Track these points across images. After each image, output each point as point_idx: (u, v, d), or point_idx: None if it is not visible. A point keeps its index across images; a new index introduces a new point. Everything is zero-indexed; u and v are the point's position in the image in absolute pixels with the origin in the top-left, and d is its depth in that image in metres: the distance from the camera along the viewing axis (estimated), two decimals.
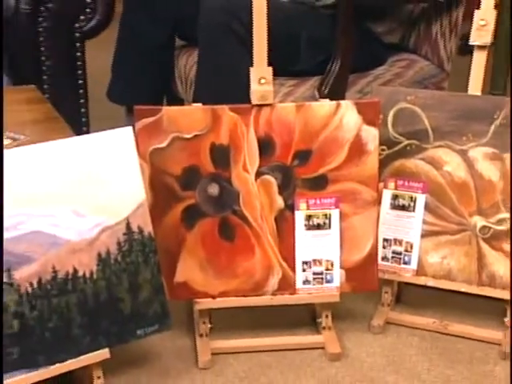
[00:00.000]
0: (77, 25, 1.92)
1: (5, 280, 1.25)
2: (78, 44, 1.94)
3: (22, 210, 1.27)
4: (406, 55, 2.06)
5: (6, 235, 1.26)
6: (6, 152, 1.26)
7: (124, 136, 1.36)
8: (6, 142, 1.45)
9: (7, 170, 1.25)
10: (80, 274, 1.31)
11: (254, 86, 1.42)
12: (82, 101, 2.01)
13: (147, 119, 1.43)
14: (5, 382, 1.23)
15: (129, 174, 1.35)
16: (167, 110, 1.44)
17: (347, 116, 1.46)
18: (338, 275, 1.50)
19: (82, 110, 2.02)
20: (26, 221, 1.28)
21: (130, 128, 1.37)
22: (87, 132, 1.98)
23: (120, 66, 2.11)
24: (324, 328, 1.52)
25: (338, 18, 1.73)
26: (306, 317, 1.59)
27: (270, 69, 1.41)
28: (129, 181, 1.35)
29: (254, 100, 1.43)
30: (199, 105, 1.46)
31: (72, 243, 1.31)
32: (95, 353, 1.31)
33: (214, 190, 1.47)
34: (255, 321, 1.57)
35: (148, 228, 1.37)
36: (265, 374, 1.45)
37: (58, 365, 1.28)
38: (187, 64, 2.00)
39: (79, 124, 2.00)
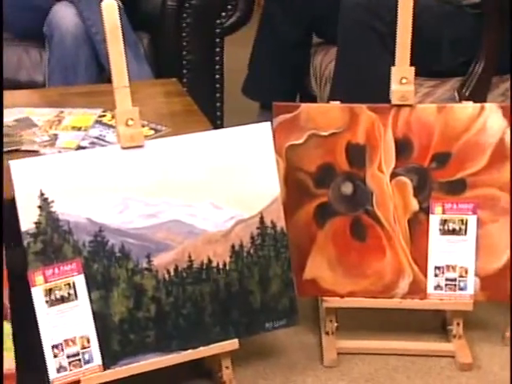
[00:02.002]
0: (218, 21, 1.96)
1: (144, 266, 1.30)
2: (217, 40, 1.99)
3: (163, 199, 1.32)
4: None
5: (146, 223, 1.31)
6: (148, 142, 1.32)
7: (262, 131, 1.38)
8: (148, 132, 1.50)
9: (151, 160, 1.31)
10: (214, 264, 1.35)
11: (395, 86, 1.40)
12: (217, 95, 2.05)
13: (285, 115, 1.44)
14: (140, 363, 1.29)
15: (265, 168, 1.38)
16: (305, 107, 1.45)
17: (491, 119, 1.41)
18: (472, 283, 1.45)
19: (218, 104, 2.07)
20: (166, 210, 1.33)
21: (268, 123, 1.39)
22: (221, 126, 2.02)
23: (257, 63, 2.15)
24: (454, 336, 1.48)
25: (485, 18, 1.68)
26: (435, 323, 1.55)
27: (413, 69, 1.39)
28: (265, 176, 1.38)
29: (394, 100, 1.41)
30: (337, 103, 1.46)
31: (208, 234, 1.34)
32: (225, 342, 1.34)
33: (347, 188, 1.47)
34: (382, 323, 1.55)
35: (281, 223, 1.39)
36: (391, 377, 1.43)
37: (190, 351, 1.32)
38: (323, 62, 2.01)
39: (214, 118, 2.05)
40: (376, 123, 1.43)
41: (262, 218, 1.38)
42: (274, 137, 1.38)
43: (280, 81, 2.09)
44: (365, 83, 1.73)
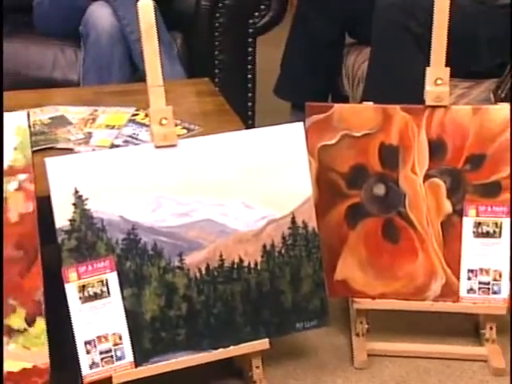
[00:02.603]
0: (251, 21, 1.97)
1: (176, 264, 1.31)
2: (250, 40, 1.99)
3: (196, 198, 1.33)
4: None
5: (179, 221, 1.32)
6: (181, 141, 1.32)
7: (295, 131, 1.38)
8: (180, 131, 1.51)
9: (184, 159, 1.31)
10: (245, 263, 1.35)
11: (430, 87, 1.39)
12: (249, 95, 2.06)
13: (318, 116, 1.44)
14: (171, 361, 1.30)
15: (298, 169, 1.37)
16: (338, 108, 1.45)
17: None
18: (506, 287, 1.43)
19: (249, 104, 2.07)
20: (199, 209, 1.33)
21: (301, 123, 1.38)
22: (252, 126, 2.03)
23: (290, 63, 2.15)
24: (487, 340, 1.46)
25: None
26: (467, 326, 1.53)
27: (448, 69, 1.37)
28: (297, 176, 1.37)
29: (429, 101, 1.40)
30: (370, 103, 1.45)
31: (239, 233, 1.35)
32: (255, 342, 1.34)
33: (380, 190, 1.46)
34: (413, 325, 1.54)
35: (312, 223, 1.38)
36: (423, 380, 1.42)
37: (220, 350, 1.33)
38: (356, 62, 2.00)
39: (245, 117, 2.06)
40: (410, 124, 1.42)
41: (293, 218, 1.37)
42: (306, 137, 1.38)
43: (312, 81, 2.09)
44: (398, 84, 1.72)
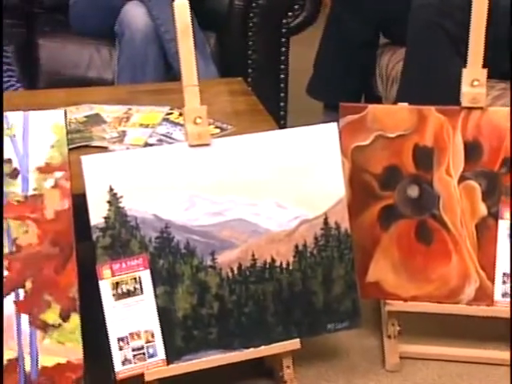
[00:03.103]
0: (284, 21, 1.97)
1: (208, 263, 1.31)
2: (283, 39, 1.99)
3: (229, 198, 1.33)
4: None
5: (212, 220, 1.32)
6: (215, 141, 1.33)
7: (329, 131, 1.37)
8: (214, 131, 1.52)
9: (217, 158, 1.32)
10: (277, 263, 1.35)
11: (466, 88, 1.37)
12: (282, 95, 2.06)
13: (352, 116, 1.44)
14: (202, 359, 1.30)
15: (331, 169, 1.37)
16: (372, 108, 1.44)
17: None
18: None
19: (281, 103, 2.07)
20: (232, 208, 1.34)
21: (334, 124, 1.38)
22: (284, 126, 2.03)
23: (323, 63, 2.15)
24: None
25: None
26: (502, 331, 1.51)
27: (485, 71, 1.36)
28: (330, 176, 1.37)
29: (465, 102, 1.38)
30: (405, 104, 1.44)
31: (272, 233, 1.35)
32: (287, 342, 1.34)
33: (413, 191, 1.45)
34: (446, 328, 1.52)
35: (345, 224, 1.38)
36: None
37: (252, 349, 1.33)
38: (390, 62, 1.99)
39: (277, 117, 2.06)
40: (445, 125, 1.41)
41: (326, 219, 1.37)
42: (340, 137, 1.38)
43: (346, 81, 2.08)
44: (434, 84, 1.71)
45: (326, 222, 1.37)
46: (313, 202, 1.36)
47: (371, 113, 1.43)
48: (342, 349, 1.49)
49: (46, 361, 1.21)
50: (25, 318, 1.20)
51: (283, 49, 2.00)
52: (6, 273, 1.20)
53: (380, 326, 1.53)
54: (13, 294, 1.20)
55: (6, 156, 1.21)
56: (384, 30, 2.08)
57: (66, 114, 1.25)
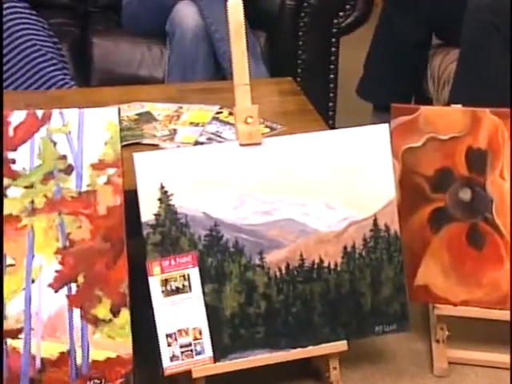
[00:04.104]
0: (335, 21, 1.96)
1: (256, 262, 1.32)
2: (333, 39, 1.98)
3: (278, 197, 1.33)
4: None
5: (261, 220, 1.32)
6: (265, 140, 1.33)
7: (380, 133, 1.36)
8: (264, 130, 1.52)
9: (268, 158, 1.32)
10: (325, 264, 1.34)
11: None
12: (331, 95, 2.05)
13: (404, 117, 1.42)
14: (249, 358, 1.30)
15: (381, 170, 1.36)
16: (425, 110, 1.42)
17: None
18: None
19: (330, 104, 2.06)
20: (281, 208, 1.34)
21: (386, 125, 1.37)
22: (333, 126, 2.02)
23: (374, 63, 2.13)
24: None
25: None
26: None
27: None
28: (381, 178, 1.36)
29: None
30: (458, 106, 1.42)
31: (320, 234, 1.34)
32: (334, 343, 1.34)
33: (465, 194, 1.43)
34: (496, 335, 1.49)
35: (395, 226, 1.37)
36: None
37: (299, 350, 1.32)
38: (442, 63, 1.97)
39: (326, 117, 2.05)
40: (499, 128, 1.39)
41: (375, 221, 1.36)
42: (391, 138, 1.37)
43: (396, 82, 2.06)
44: (488, 86, 1.68)
45: (375, 223, 1.36)
46: (362, 203, 1.36)
47: (423, 114, 1.41)
48: (388, 352, 1.48)
49: (97, 355, 1.23)
50: (76, 312, 1.23)
51: (333, 49, 1.99)
52: (59, 267, 1.23)
53: (428, 330, 1.52)
54: (65, 288, 1.23)
55: (61, 152, 1.24)
56: (437, 31, 2.05)
57: (119, 111, 1.27)
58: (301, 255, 1.34)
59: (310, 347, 1.33)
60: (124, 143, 1.39)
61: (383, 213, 1.36)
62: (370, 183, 1.35)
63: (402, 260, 1.37)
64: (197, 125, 1.57)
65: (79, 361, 1.22)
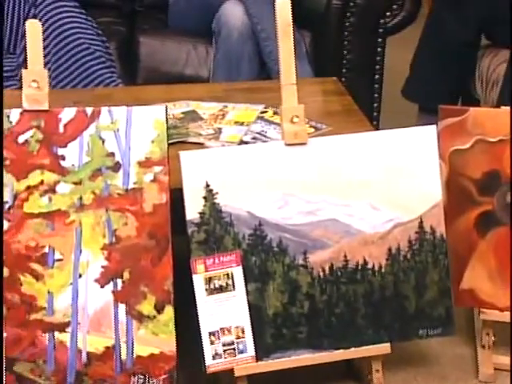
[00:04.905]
0: (382, 21, 1.94)
1: (300, 262, 1.31)
2: (379, 40, 1.96)
3: (323, 197, 1.33)
4: None
5: (305, 219, 1.32)
6: (311, 140, 1.32)
7: (427, 134, 1.35)
8: (308, 130, 1.51)
9: (313, 158, 1.31)
10: (369, 265, 1.33)
11: None
12: (375, 95, 2.03)
13: (452, 119, 1.40)
14: (291, 358, 1.30)
15: (428, 172, 1.34)
16: (473, 111, 1.40)
17: None
18: None
19: (375, 104, 2.05)
20: (325, 208, 1.33)
21: (433, 127, 1.35)
22: (377, 127, 2.00)
23: (421, 64, 2.11)
24: None
25: None
26: None
27: None
28: (427, 180, 1.34)
29: None
30: (507, 108, 1.40)
31: (365, 235, 1.33)
32: (377, 346, 1.33)
33: None
34: None
35: (441, 229, 1.35)
36: None
37: (341, 351, 1.32)
38: (491, 65, 1.93)
39: (370, 118, 2.03)
40: None
41: (421, 223, 1.35)
42: (438, 140, 1.35)
43: (444, 83, 2.03)
44: None
45: (421, 225, 1.35)
46: (408, 204, 1.34)
47: (472, 116, 1.39)
48: (432, 355, 1.46)
49: (141, 350, 1.24)
50: (122, 307, 1.24)
51: (379, 49, 1.97)
52: (105, 263, 1.24)
53: (472, 334, 1.50)
54: (111, 284, 1.24)
55: (109, 150, 1.25)
56: (486, 31, 2.02)
57: (166, 110, 1.28)
58: (345, 256, 1.33)
59: (353, 349, 1.32)
60: (169, 141, 1.41)
61: (429, 215, 1.35)
62: (417, 185, 1.34)
63: (448, 263, 1.35)
64: (242, 124, 1.57)
65: (124, 356, 1.23)
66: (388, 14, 1.94)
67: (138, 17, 2.21)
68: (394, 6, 1.93)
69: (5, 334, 1.21)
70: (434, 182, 1.35)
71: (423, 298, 1.34)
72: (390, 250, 1.34)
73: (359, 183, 1.33)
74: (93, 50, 1.84)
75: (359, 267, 1.33)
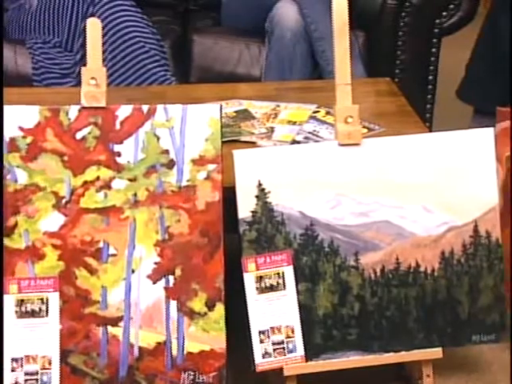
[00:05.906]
0: (437, 21, 1.92)
1: (351, 263, 1.30)
2: (434, 40, 1.94)
3: (375, 199, 1.32)
4: None
5: (357, 221, 1.31)
6: (365, 141, 1.31)
7: (484, 137, 1.32)
8: (362, 130, 1.50)
9: (367, 158, 1.30)
10: (421, 269, 1.32)
11: None
12: (429, 96, 2.01)
13: (509, 121, 1.38)
14: (341, 359, 1.29)
15: (484, 176, 1.32)
16: None
17: None
18: None
19: (428, 105, 2.02)
20: (377, 209, 1.32)
21: (491, 129, 1.33)
22: (430, 128, 1.98)
23: (477, 65, 2.07)
24: None
25: None
26: None
27: None
28: (483, 183, 1.32)
29: None
30: None
31: (417, 237, 1.32)
32: (428, 350, 1.31)
33: None
34: None
35: (496, 234, 1.32)
36: None
37: (391, 354, 1.31)
38: None
39: (423, 119, 2.01)
40: None
41: (476, 227, 1.32)
42: (495, 143, 1.32)
43: (500, 85, 1.99)
44: None
45: (475, 229, 1.32)
46: (463, 208, 1.32)
47: None
48: (484, 362, 1.44)
49: (192, 347, 1.25)
50: (173, 304, 1.25)
51: (434, 49, 1.95)
52: (158, 259, 1.25)
53: None
54: (163, 280, 1.25)
55: (163, 147, 1.26)
56: None
57: (221, 108, 1.28)
58: (397, 258, 1.32)
59: (404, 352, 1.31)
60: (222, 140, 1.41)
61: (485, 219, 1.32)
62: (472, 188, 1.32)
63: (504, 269, 1.32)
64: (294, 123, 1.57)
65: (175, 352, 1.24)
66: (444, 13, 1.91)
67: (191, 16, 2.23)
68: (451, 6, 1.90)
69: (60, 326, 1.23)
70: (490, 186, 1.32)
71: (477, 303, 1.32)
72: (443, 253, 1.32)
73: (412, 185, 1.32)
74: (148, 49, 1.87)
75: (411, 270, 1.32)
